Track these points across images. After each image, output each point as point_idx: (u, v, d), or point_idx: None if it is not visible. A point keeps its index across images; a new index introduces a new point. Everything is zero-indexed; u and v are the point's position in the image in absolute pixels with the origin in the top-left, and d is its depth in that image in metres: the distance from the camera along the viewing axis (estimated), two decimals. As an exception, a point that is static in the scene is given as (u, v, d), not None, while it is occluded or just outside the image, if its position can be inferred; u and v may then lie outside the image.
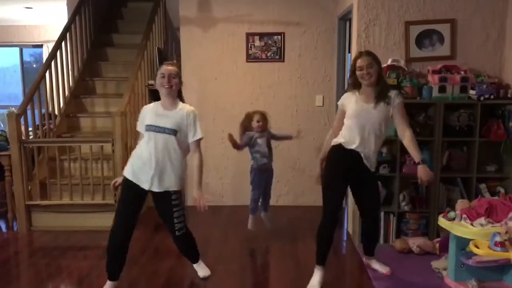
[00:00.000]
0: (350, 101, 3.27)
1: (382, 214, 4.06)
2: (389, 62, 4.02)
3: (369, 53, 3.23)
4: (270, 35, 5.23)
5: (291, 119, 5.32)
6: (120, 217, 3.19)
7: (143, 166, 3.10)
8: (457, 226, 3.16)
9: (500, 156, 4.06)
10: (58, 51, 5.37)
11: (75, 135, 5.30)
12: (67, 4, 6.47)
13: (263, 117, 4.22)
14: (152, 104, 3.26)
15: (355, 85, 3.27)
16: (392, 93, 3.21)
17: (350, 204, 4.47)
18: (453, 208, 3.50)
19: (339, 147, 3.27)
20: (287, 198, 5.42)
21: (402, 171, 4.00)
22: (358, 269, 3.70)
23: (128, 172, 3.15)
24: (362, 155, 3.21)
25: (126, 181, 3.15)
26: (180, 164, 3.22)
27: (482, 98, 3.83)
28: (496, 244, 2.90)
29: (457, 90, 3.91)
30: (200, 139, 3.21)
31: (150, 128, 3.09)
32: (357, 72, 3.19)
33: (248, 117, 4.26)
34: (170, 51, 6.36)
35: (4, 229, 4.76)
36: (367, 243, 3.59)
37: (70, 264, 3.78)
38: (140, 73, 5.12)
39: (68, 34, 5.59)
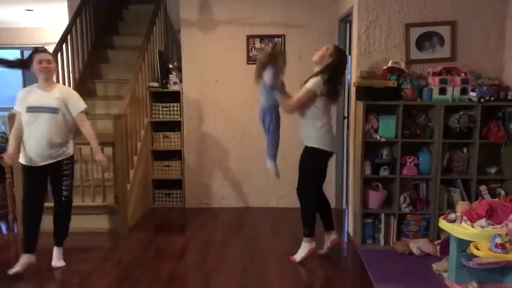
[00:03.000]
0: None
1: (382, 216, 4.07)
2: (389, 64, 4.03)
3: None
4: (271, 37, 5.24)
5: (291, 121, 5.30)
6: (31, 197, 3.61)
7: (35, 147, 3.50)
8: (457, 228, 3.17)
9: (500, 158, 4.06)
10: (59, 53, 5.38)
11: (76, 137, 5.29)
12: (68, 6, 6.47)
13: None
14: (28, 88, 3.64)
15: None
16: None
17: (351, 205, 4.47)
18: (453, 210, 3.51)
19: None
20: (288, 200, 5.41)
21: (403, 173, 4.01)
22: (359, 271, 3.70)
23: (23, 160, 3.56)
24: None
25: (25, 167, 3.58)
26: (66, 137, 3.64)
27: (482, 100, 3.83)
28: (496, 246, 2.90)
29: (457, 92, 3.91)
30: (84, 110, 3.66)
31: (34, 109, 3.49)
32: None
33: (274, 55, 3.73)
34: (170, 53, 6.36)
35: (5, 231, 4.77)
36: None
37: (71, 266, 3.77)
38: (141, 75, 5.13)
39: (69, 36, 5.60)
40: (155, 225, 4.93)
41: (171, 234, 4.61)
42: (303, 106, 3.67)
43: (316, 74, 3.63)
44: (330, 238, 3.94)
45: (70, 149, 3.69)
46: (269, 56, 3.65)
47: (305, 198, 3.84)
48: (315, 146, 3.69)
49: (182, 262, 3.93)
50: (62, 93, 3.59)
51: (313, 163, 3.77)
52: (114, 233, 4.52)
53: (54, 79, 3.73)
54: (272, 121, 3.80)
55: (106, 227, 4.56)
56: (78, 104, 3.64)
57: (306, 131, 3.75)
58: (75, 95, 3.68)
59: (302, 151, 3.80)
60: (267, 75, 3.63)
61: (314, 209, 3.87)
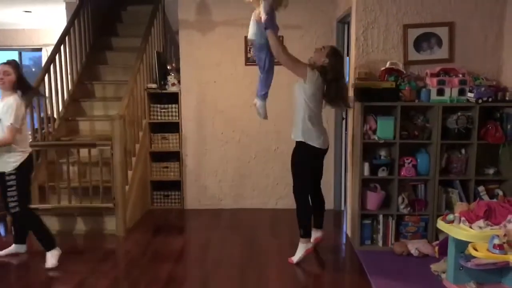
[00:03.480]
0: None
1: (381, 217, 4.07)
2: (387, 65, 4.04)
3: None
4: (269, 38, 5.23)
5: (289, 121, 5.30)
6: None
7: None
8: (456, 229, 3.17)
9: (498, 159, 4.07)
10: (57, 54, 5.38)
11: (74, 139, 5.30)
12: (66, 8, 6.47)
13: None
14: None
15: None
16: None
17: (349, 206, 4.48)
18: (452, 211, 3.51)
19: None
20: (287, 201, 5.41)
21: (401, 174, 4.01)
22: (358, 272, 3.70)
23: None
24: None
25: None
26: (7, 148, 3.64)
27: (480, 101, 3.83)
28: (494, 246, 2.91)
29: (455, 92, 3.92)
30: (10, 125, 3.58)
31: None
32: None
33: None
34: (169, 55, 6.36)
35: (3, 233, 4.76)
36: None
37: (70, 268, 3.77)
38: (139, 77, 5.12)
39: (67, 38, 5.60)
40: (153, 227, 4.93)
41: (169, 236, 4.61)
42: (290, 64, 3.64)
43: (312, 69, 3.63)
44: (315, 236, 3.99)
45: (13, 160, 3.66)
46: None
47: (298, 198, 3.86)
48: (301, 140, 3.72)
49: (180, 263, 3.93)
50: (3, 104, 3.64)
51: (298, 158, 3.79)
52: (113, 235, 4.51)
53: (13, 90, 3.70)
54: (268, 57, 3.69)
55: (105, 229, 4.56)
56: (5, 116, 3.59)
57: (295, 126, 3.78)
58: (9, 107, 3.59)
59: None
60: (264, 7, 3.48)
61: (309, 210, 3.89)
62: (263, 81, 3.80)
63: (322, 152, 3.82)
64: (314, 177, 3.95)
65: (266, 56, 3.69)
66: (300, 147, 3.75)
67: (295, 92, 3.77)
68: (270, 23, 3.52)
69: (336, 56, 3.70)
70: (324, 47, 3.78)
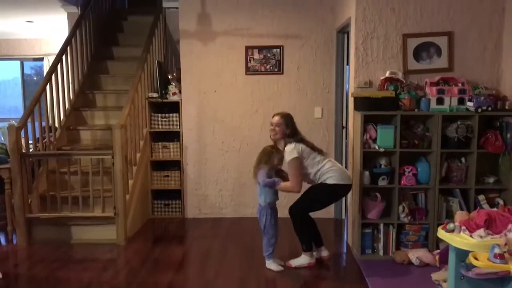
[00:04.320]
0: None
1: (381, 225, 4.07)
2: (387, 74, 4.06)
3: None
4: (269, 48, 5.27)
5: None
6: None
7: None
8: (456, 238, 3.16)
9: (498, 168, 4.07)
10: (59, 64, 5.40)
11: (75, 148, 5.32)
12: (68, 18, 6.52)
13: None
14: None
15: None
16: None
17: (350, 216, 4.47)
18: (452, 220, 3.50)
19: None
20: (287, 210, 5.41)
21: (401, 183, 4.01)
22: (358, 281, 3.69)
23: None
24: None
25: None
26: None
27: (479, 110, 3.85)
28: (495, 256, 2.90)
29: (455, 102, 3.94)
30: None
31: None
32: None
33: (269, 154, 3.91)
34: (170, 64, 6.39)
35: (3, 242, 4.75)
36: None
37: (70, 277, 3.76)
38: (140, 86, 5.15)
39: (68, 48, 5.63)
40: (154, 236, 4.92)
41: (170, 245, 4.60)
42: (301, 177, 3.82)
43: (285, 145, 3.82)
44: (323, 254, 4.06)
45: None
46: (261, 157, 3.88)
47: (299, 217, 3.92)
48: (333, 182, 3.78)
49: (181, 272, 3.92)
50: None
51: (325, 196, 3.92)
52: (113, 244, 4.51)
53: None
54: (267, 221, 3.88)
55: (105, 238, 4.55)
56: None
57: (314, 180, 3.89)
58: None
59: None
60: (261, 174, 3.82)
61: (310, 225, 3.98)
62: (266, 242, 3.93)
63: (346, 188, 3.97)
64: None
65: (265, 219, 3.89)
66: (332, 188, 3.84)
67: None
68: (271, 184, 3.82)
69: (287, 116, 3.94)
70: (277, 123, 3.90)
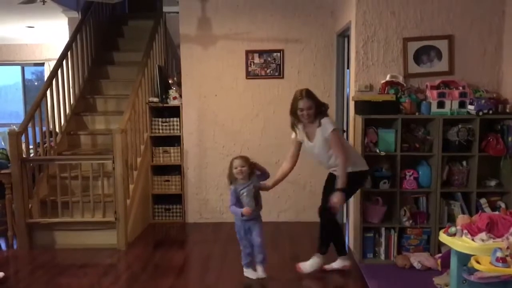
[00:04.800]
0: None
1: (383, 229, 4.06)
2: (387, 78, 4.06)
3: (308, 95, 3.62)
4: (270, 52, 5.27)
5: (291, 135, 5.32)
6: None
7: None
8: (458, 242, 3.15)
9: (500, 171, 4.06)
10: (59, 69, 5.42)
11: (76, 153, 5.31)
12: (68, 23, 6.54)
13: (244, 162, 3.70)
14: None
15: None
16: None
17: (351, 220, 4.46)
18: (454, 223, 3.49)
19: None
20: (288, 214, 5.41)
21: (402, 187, 4.00)
22: (360, 285, 3.67)
23: None
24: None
25: None
26: None
27: (480, 113, 3.84)
28: (497, 259, 2.88)
29: (455, 105, 3.93)
30: None
31: None
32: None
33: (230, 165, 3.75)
34: (170, 69, 6.40)
35: (4, 247, 4.74)
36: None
37: (70, 282, 3.75)
38: (140, 91, 5.15)
39: (69, 52, 5.64)
40: (155, 241, 4.91)
41: (171, 250, 4.59)
42: (344, 146, 3.65)
43: (319, 123, 3.62)
44: (344, 263, 3.94)
45: None
46: (229, 175, 3.70)
47: (328, 218, 3.79)
48: (355, 170, 3.67)
49: (181, 277, 3.91)
50: None
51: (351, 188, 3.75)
52: (114, 249, 4.50)
53: None
54: (237, 232, 3.77)
55: (106, 243, 4.54)
56: None
57: (332, 163, 3.72)
58: None
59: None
60: (231, 194, 3.70)
61: (336, 228, 3.89)
62: (243, 251, 3.79)
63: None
64: None
65: (236, 230, 3.78)
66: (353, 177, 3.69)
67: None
68: (236, 213, 3.69)
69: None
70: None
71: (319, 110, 3.63)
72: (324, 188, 3.87)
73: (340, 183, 3.53)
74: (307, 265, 3.82)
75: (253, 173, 3.70)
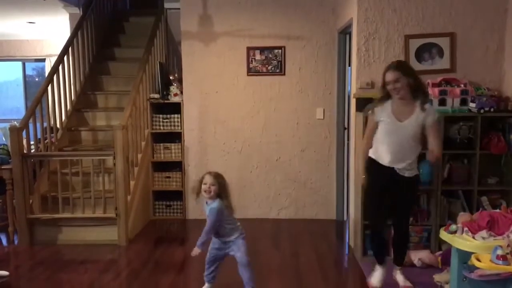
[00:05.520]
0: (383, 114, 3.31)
1: (383, 227, 4.06)
2: (389, 75, 4.04)
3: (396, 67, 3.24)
4: (271, 49, 5.27)
5: (292, 132, 5.34)
6: None
7: None
8: (458, 239, 3.15)
9: (501, 169, 4.06)
10: (60, 65, 5.41)
11: (77, 149, 5.32)
12: (69, 19, 6.54)
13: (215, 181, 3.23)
14: None
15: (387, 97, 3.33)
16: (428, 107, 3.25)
17: (351, 217, 4.46)
18: (454, 221, 3.49)
19: (374, 161, 3.40)
20: (288, 211, 5.41)
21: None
22: (360, 283, 3.68)
23: None
24: (395, 169, 3.32)
25: None
26: None
27: (482, 111, 3.84)
28: (498, 257, 2.88)
29: (457, 103, 3.93)
30: None
31: None
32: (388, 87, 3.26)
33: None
34: (171, 65, 6.39)
35: (5, 243, 4.75)
36: (395, 251, 3.61)
37: (71, 278, 3.76)
38: (141, 87, 5.15)
39: (70, 49, 5.63)
40: (155, 237, 4.92)
41: (171, 246, 4.60)
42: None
43: (422, 103, 3.26)
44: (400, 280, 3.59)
45: None
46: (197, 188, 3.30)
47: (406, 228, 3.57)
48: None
49: (182, 274, 3.91)
50: None
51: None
52: (115, 245, 4.50)
53: None
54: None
55: (107, 239, 4.55)
56: None
57: (411, 164, 3.39)
58: None
59: (407, 186, 3.41)
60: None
61: (378, 236, 3.60)
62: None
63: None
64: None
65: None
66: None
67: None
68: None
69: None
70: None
71: (415, 87, 3.23)
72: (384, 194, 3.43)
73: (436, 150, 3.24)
74: (374, 279, 3.54)
75: (222, 197, 3.25)
